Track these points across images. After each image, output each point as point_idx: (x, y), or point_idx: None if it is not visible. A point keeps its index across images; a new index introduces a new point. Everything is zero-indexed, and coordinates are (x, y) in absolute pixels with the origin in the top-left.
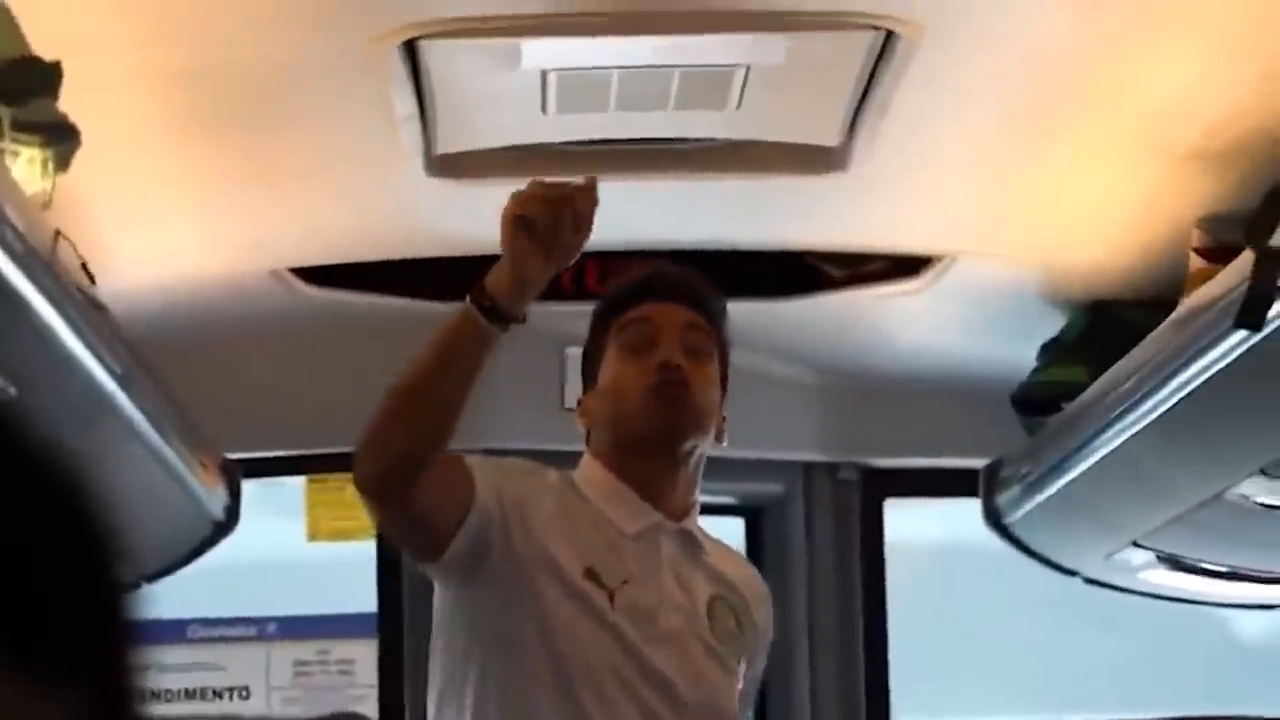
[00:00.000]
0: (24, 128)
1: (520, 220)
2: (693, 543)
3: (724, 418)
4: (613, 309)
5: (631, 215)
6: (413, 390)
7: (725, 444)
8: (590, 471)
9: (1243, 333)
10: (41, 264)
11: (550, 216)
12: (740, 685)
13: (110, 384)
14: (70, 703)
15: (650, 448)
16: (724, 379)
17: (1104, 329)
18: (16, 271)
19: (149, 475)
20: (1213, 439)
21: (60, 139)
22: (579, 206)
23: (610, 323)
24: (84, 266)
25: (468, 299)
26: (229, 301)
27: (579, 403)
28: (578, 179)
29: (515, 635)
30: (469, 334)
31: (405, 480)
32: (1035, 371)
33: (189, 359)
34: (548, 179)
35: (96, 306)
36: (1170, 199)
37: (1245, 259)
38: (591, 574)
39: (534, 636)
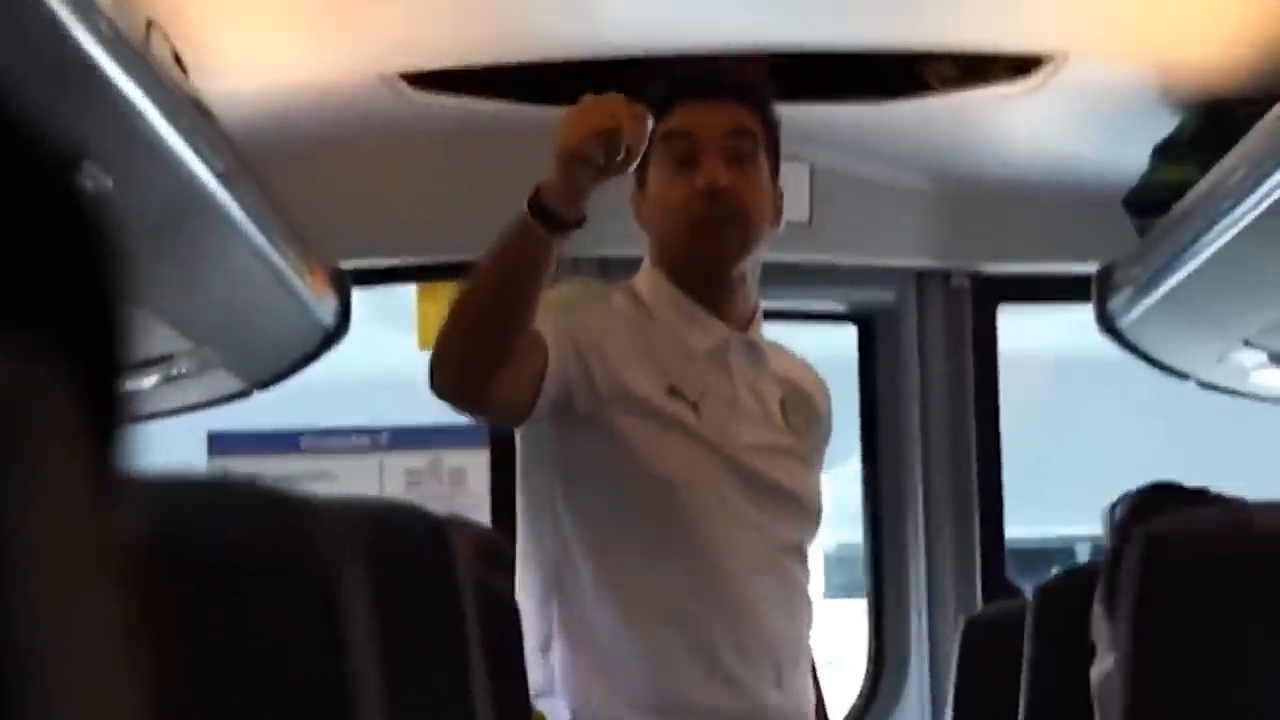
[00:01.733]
0: None
1: (576, 158)
2: (757, 351)
3: (780, 195)
4: (653, 110)
5: (741, 16)
6: (479, 304)
7: (781, 227)
8: (654, 284)
9: None
10: (134, 53)
11: (604, 152)
12: (819, 473)
13: (211, 181)
14: (55, 368)
15: (703, 271)
16: (775, 162)
17: (1219, 127)
18: (109, 59)
19: (255, 279)
20: None
21: None
22: (630, 137)
23: (653, 128)
24: (177, 59)
25: (525, 208)
26: (336, 107)
27: (632, 200)
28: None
29: (615, 464)
30: (530, 242)
31: (481, 385)
32: (1149, 173)
33: (296, 165)
34: (603, 100)
35: (195, 103)
36: None
37: None
38: (675, 390)
39: (634, 461)
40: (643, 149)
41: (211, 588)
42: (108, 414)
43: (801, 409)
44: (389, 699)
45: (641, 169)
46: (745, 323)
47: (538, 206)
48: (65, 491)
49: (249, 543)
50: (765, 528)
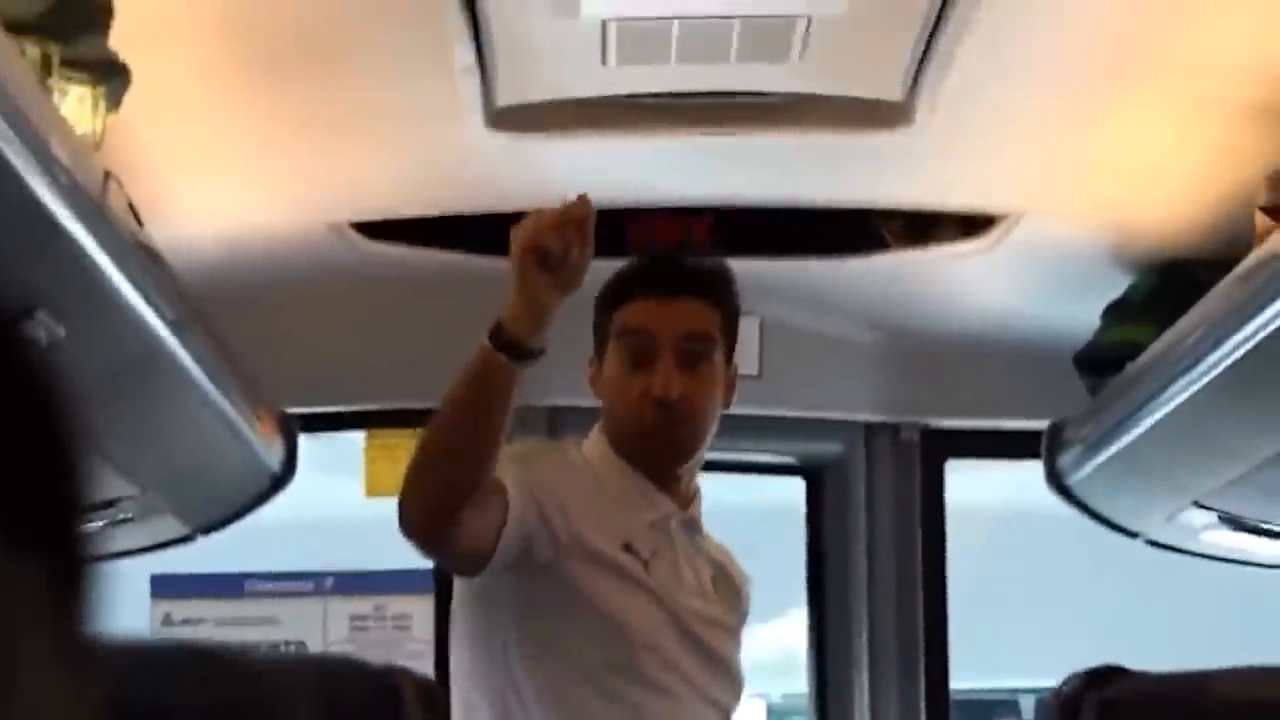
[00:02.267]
0: (73, 65)
1: (535, 252)
2: (695, 528)
3: (733, 375)
4: (612, 299)
5: (693, 173)
6: (447, 437)
7: (735, 404)
8: (602, 452)
9: None
10: (91, 203)
11: (561, 244)
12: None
13: (162, 330)
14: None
15: (648, 463)
16: (730, 347)
17: (1171, 289)
18: (65, 210)
19: (203, 425)
20: (1274, 396)
21: (110, 77)
22: (579, 226)
23: (611, 316)
24: (132, 209)
25: (486, 339)
26: (287, 255)
27: (589, 374)
28: (570, 200)
29: (560, 618)
30: (494, 374)
31: (448, 520)
32: (1100, 332)
33: (246, 311)
34: (545, 209)
35: (148, 251)
36: (1237, 156)
37: None
38: (629, 547)
39: (589, 612)
40: (593, 235)
41: None
42: (72, 578)
43: (727, 588)
44: None
45: (600, 343)
46: (686, 501)
47: (499, 337)
48: (39, 667)
49: (202, 709)
50: (702, 687)
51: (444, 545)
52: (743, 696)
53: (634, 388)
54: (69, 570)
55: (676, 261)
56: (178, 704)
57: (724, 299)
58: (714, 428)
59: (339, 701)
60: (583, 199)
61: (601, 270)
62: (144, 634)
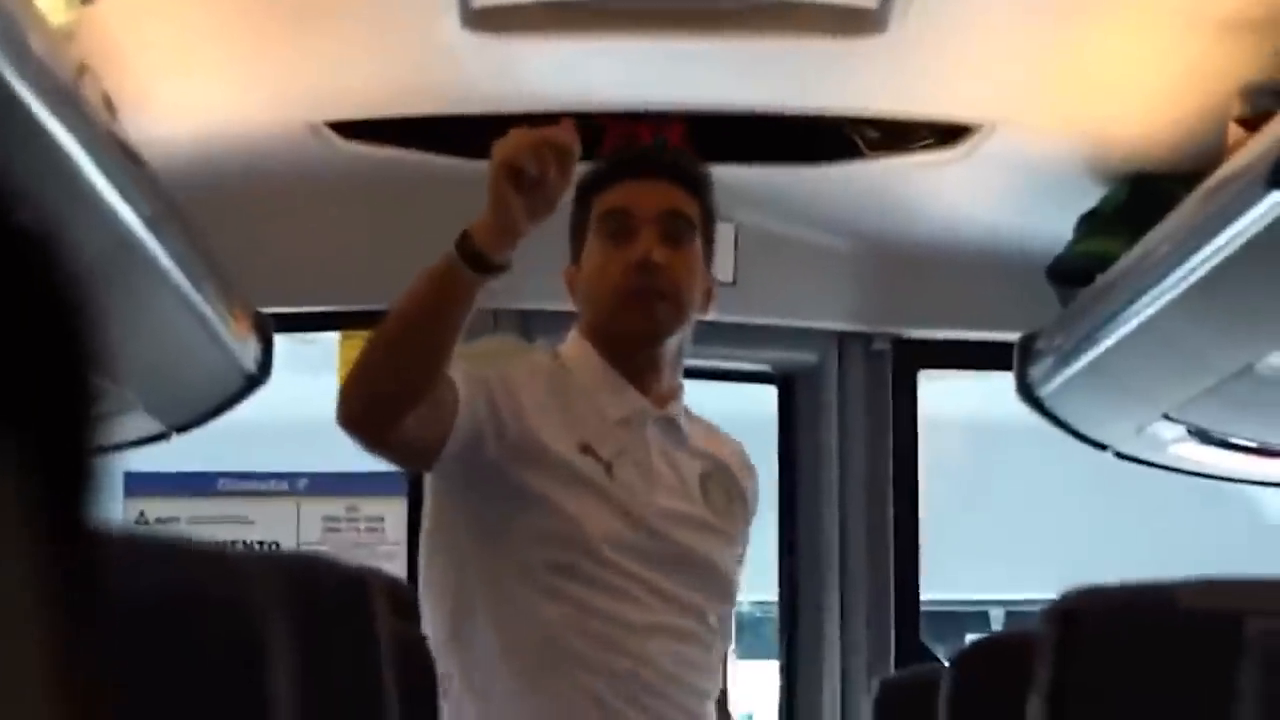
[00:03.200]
0: None
1: (510, 169)
2: (675, 429)
3: (712, 281)
4: (592, 186)
5: (667, 77)
6: (398, 338)
7: (711, 312)
8: (577, 350)
9: (1275, 198)
10: (65, 95)
11: (538, 165)
12: (739, 551)
13: (137, 225)
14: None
15: (630, 343)
16: (709, 247)
17: (1144, 201)
18: (38, 101)
19: (179, 323)
20: (1243, 308)
21: None
22: (559, 151)
23: (591, 201)
24: (107, 100)
25: (453, 247)
26: (264, 153)
27: (565, 274)
28: (556, 129)
29: (519, 514)
30: (454, 283)
31: (391, 422)
32: (1073, 243)
33: (223, 211)
34: (527, 129)
35: (123, 145)
36: (1211, 69)
37: (1278, 122)
38: (587, 448)
39: (538, 512)
40: (574, 166)
41: (134, 638)
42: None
43: (723, 486)
44: None
45: (577, 244)
46: (664, 400)
47: (465, 247)
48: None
49: (172, 593)
50: (666, 591)
51: (386, 441)
52: (731, 598)
53: (615, 261)
54: (79, 456)
55: (656, 148)
56: (142, 593)
57: (703, 192)
58: (693, 316)
59: (309, 598)
60: (567, 124)
61: (578, 173)
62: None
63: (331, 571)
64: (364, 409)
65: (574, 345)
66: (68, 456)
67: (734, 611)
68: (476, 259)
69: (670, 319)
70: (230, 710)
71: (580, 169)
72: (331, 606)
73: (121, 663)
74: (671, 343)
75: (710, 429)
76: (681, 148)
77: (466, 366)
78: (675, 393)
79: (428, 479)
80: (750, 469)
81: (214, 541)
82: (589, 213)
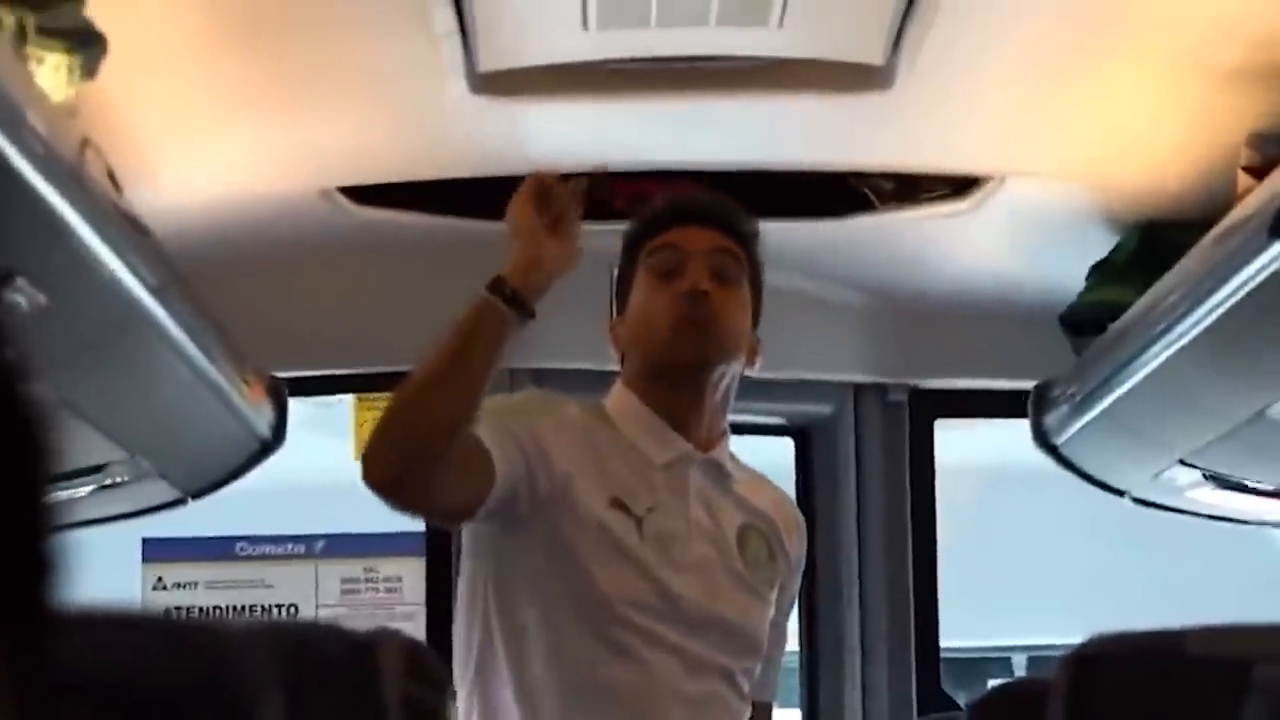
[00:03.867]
0: (48, 33)
1: (534, 197)
2: (721, 473)
3: (758, 340)
4: (642, 234)
5: (675, 137)
6: (431, 385)
7: (758, 368)
8: (620, 400)
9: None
10: (67, 171)
11: (561, 200)
12: (773, 611)
13: (145, 296)
14: None
15: (678, 377)
16: (757, 301)
17: (1154, 249)
18: (41, 178)
19: (190, 390)
20: (1255, 355)
21: (86, 45)
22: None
23: (639, 248)
24: (111, 176)
25: (486, 290)
26: (276, 221)
27: (610, 328)
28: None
29: (544, 568)
30: (489, 324)
31: (420, 476)
32: (1085, 292)
33: (236, 277)
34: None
35: (128, 218)
36: (1219, 117)
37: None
38: (618, 503)
39: (563, 568)
40: (578, 209)
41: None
42: (37, 551)
43: (763, 540)
44: None
45: (622, 297)
46: (710, 443)
47: (498, 289)
48: None
49: (163, 676)
50: (689, 652)
51: (414, 497)
52: (758, 654)
53: (663, 295)
54: (33, 544)
55: (705, 196)
56: (131, 678)
57: (751, 243)
58: (741, 358)
59: (312, 667)
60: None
61: (589, 233)
62: (127, 600)
63: (336, 640)
64: (392, 465)
65: (617, 395)
66: (19, 544)
67: (778, 657)
68: (512, 298)
69: (719, 345)
70: None
71: (591, 229)
72: (335, 676)
73: None
74: (718, 381)
75: (757, 478)
76: (730, 199)
77: (493, 421)
78: (720, 437)
79: (460, 537)
80: (798, 525)
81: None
82: (636, 261)
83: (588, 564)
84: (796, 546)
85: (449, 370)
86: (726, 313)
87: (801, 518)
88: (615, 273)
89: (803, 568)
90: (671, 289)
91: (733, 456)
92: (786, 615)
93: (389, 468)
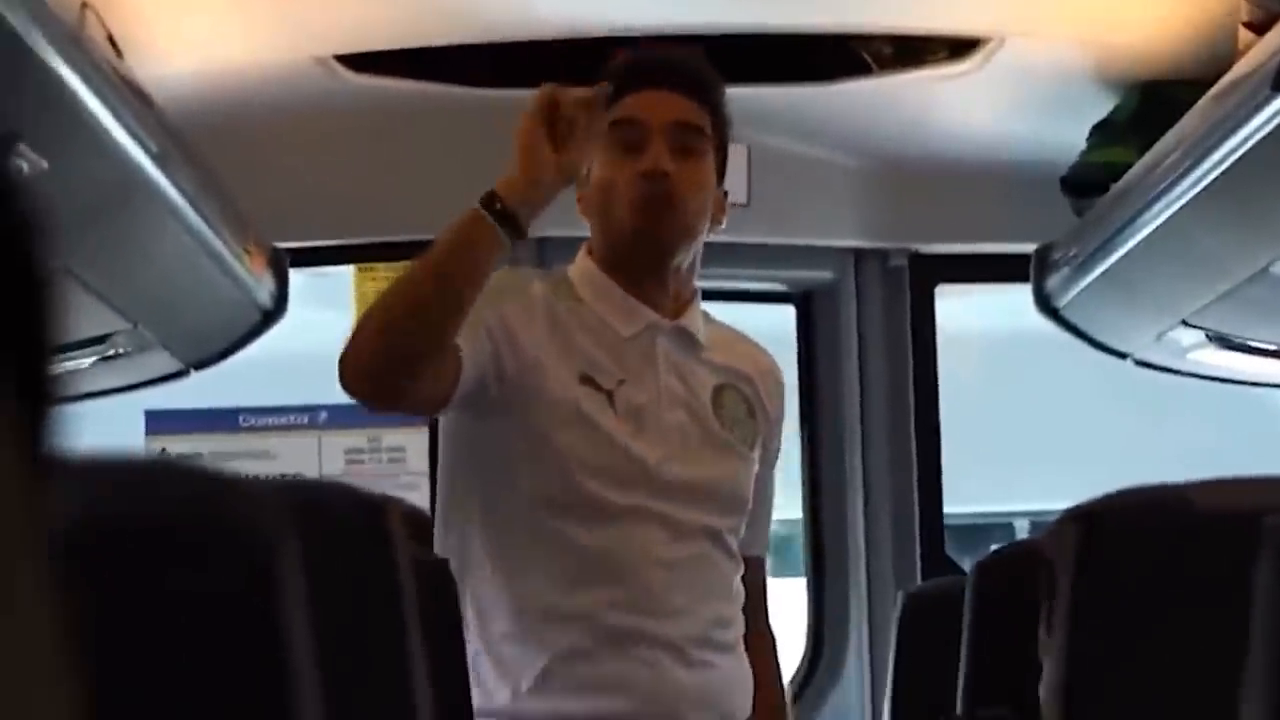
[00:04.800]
0: None
1: (544, 113)
2: (689, 339)
3: (724, 195)
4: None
5: None
6: (417, 295)
7: (724, 225)
8: (584, 271)
9: None
10: (67, 35)
11: (571, 111)
12: (757, 467)
13: (146, 163)
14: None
15: (640, 257)
16: (722, 161)
17: (1155, 109)
18: (41, 41)
19: (192, 260)
20: (1257, 211)
21: None
22: (590, 107)
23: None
24: (111, 40)
25: (479, 204)
26: (273, 89)
27: (578, 197)
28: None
29: (519, 449)
30: (479, 240)
31: (400, 383)
32: (1086, 153)
33: (234, 147)
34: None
35: (128, 83)
36: None
37: None
38: (587, 379)
39: (537, 448)
40: (595, 126)
41: (139, 567)
42: (38, 396)
43: (741, 398)
44: (325, 677)
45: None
46: (677, 310)
47: (491, 206)
48: None
49: (177, 519)
50: (670, 517)
51: (395, 400)
52: (744, 509)
53: (624, 171)
54: (35, 405)
55: (668, 55)
56: (147, 515)
57: (714, 100)
58: (703, 228)
59: (324, 525)
60: (600, 90)
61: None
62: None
63: (347, 498)
64: (379, 370)
65: (581, 266)
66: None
67: (767, 512)
68: (503, 215)
69: (678, 229)
70: (242, 638)
71: None
72: (348, 533)
73: (123, 592)
74: (681, 257)
75: (736, 338)
76: (693, 53)
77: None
78: (688, 303)
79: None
80: (777, 382)
81: (223, 469)
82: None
83: (562, 441)
84: (776, 401)
85: (435, 284)
86: (687, 191)
87: (780, 372)
88: None
89: (782, 419)
90: (631, 165)
91: (706, 316)
92: (771, 469)
93: (368, 377)
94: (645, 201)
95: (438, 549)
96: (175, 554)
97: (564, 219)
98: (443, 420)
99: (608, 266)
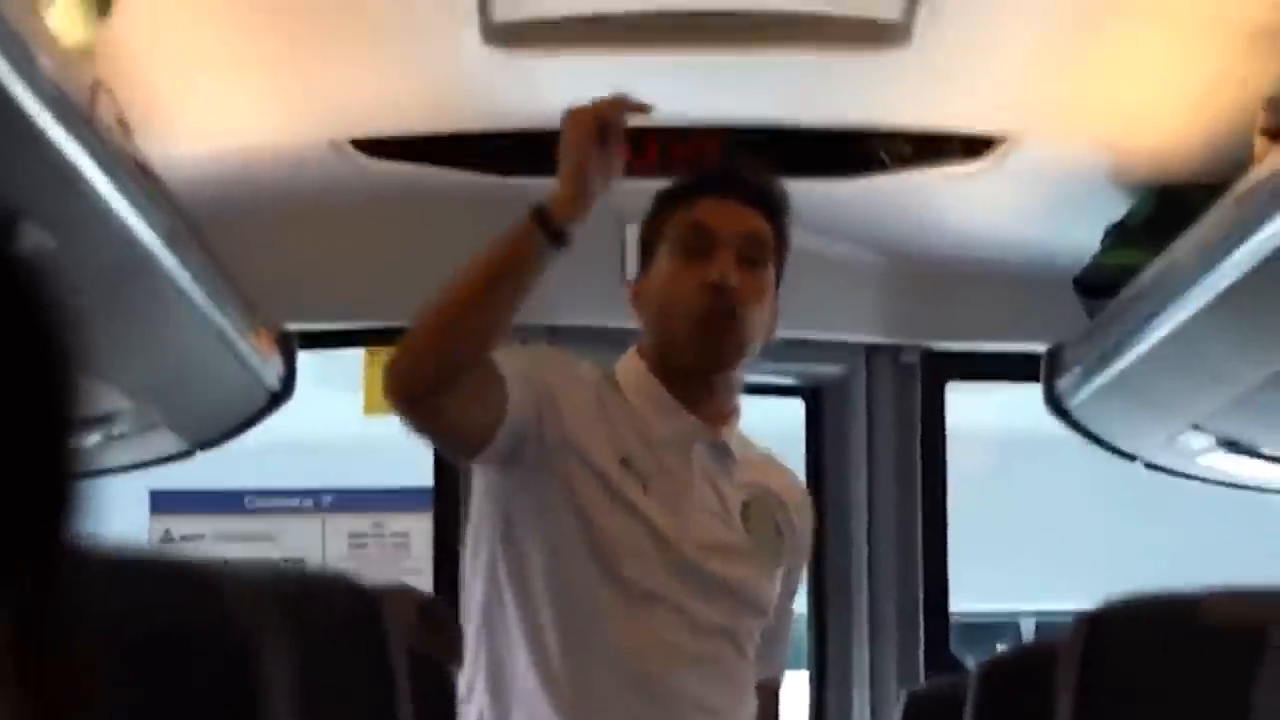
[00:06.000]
0: None
1: (599, 123)
2: (726, 455)
3: (777, 306)
4: (672, 198)
5: (691, 90)
6: (461, 305)
7: (774, 338)
8: (631, 369)
9: None
10: (77, 114)
11: (619, 122)
12: (778, 588)
13: (155, 244)
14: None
15: (691, 365)
16: (780, 270)
17: (1169, 212)
18: (51, 120)
19: (199, 341)
20: (1269, 320)
21: None
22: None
23: (670, 213)
24: (121, 121)
25: (527, 216)
26: (288, 172)
27: (631, 290)
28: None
29: (552, 519)
30: (527, 251)
31: (438, 394)
32: (1100, 254)
33: (247, 229)
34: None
35: (139, 164)
36: (1237, 79)
37: None
38: (626, 463)
39: (570, 520)
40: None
41: (119, 662)
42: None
43: (768, 518)
44: None
45: (646, 256)
46: (718, 421)
47: (543, 220)
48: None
49: (161, 615)
50: (692, 611)
51: (432, 419)
52: (764, 613)
53: (689, 278)
54: (58, 487)
55: (740, 168)
56: (126, 609)
57: (781, 217)
58: (759, 345)
59: (318, 614)
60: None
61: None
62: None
63: (343, 590)
64: (417, 378)
65: (629, 362)
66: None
67: (785, 636)
68: (550, 227)
69: (738, 342)
70: None
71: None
72: (341, 626)
73: (106, 687)
74: (733, 369)
75: (767, 458)
76: (764, 167)
77: (509, 363)
78: (729, 416)
79: (473, 475)
80: (804, 505)
81: (208, 560)
82: (663, 225)
83: (594, 515)
84: (805, 525)
85: (481, 291)
86: (749, 304)
87: (809, 497)
88: (629, 231)
89: (809, 548)
90: (697, 272)
91: (742, 436)
92: (793, 596)
93: (411, 381)
94: (708, 312)
95: (464, 618)
96: (159, 649)
97: (578, 310)
98: (477, 477)
99: (657, 369)
